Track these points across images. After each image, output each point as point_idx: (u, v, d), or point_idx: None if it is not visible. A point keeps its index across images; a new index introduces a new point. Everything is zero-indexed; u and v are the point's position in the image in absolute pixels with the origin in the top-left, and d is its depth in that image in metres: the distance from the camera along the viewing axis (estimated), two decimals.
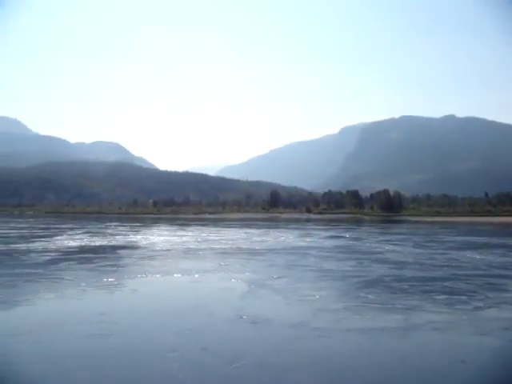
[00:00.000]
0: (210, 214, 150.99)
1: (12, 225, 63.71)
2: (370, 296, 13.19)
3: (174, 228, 58.45)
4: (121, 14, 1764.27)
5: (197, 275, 16.89)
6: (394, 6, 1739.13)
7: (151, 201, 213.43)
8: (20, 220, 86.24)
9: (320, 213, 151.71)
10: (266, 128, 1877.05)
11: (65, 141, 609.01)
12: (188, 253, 25.33)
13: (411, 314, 11.02)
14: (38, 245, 29.34)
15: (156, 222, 79.58)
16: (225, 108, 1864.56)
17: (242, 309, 11.21)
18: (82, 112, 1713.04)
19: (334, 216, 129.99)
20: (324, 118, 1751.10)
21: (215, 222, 79.20)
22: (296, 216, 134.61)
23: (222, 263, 20.70)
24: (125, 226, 63.01)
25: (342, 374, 7.36)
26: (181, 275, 16.95)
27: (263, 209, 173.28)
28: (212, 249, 27.67)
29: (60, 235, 40.66)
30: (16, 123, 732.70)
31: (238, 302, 12.15)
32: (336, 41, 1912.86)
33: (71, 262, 20.72)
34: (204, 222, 76.65)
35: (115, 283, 15.09)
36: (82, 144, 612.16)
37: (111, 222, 78.09)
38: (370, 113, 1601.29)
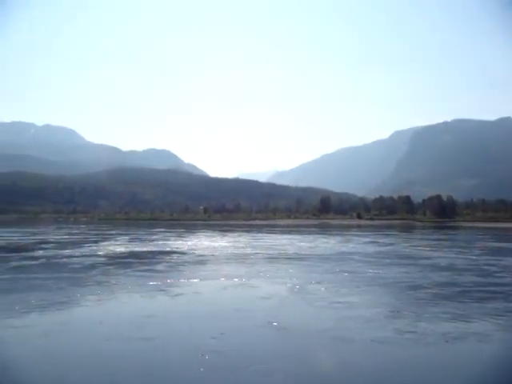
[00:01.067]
0: (261, 220, 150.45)
1: (65, 230, 65.73)
2: (419, 300, 12.91)
3: (222, 234, 58.61)
4: (176, 25, 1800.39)
5: (240, 280, 16.97)
6: (445, 7, 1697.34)
7: (202, 207, 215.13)
8: (74, 226, 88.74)
9: (371, 219, 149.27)
10: (317, 134, 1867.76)
11: (117, 149, 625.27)
12: (234, 258, 25.45)
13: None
14: (87, 250, 30.12)
15: (206, 228, 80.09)
16: (276, 114, 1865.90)
17: (275, 315, 11.12)
18: (134, 121, 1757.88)
19: (385, 222, 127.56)
20: (374, 122, 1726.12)
21: (264, 229, 79.08)
22: (346, 222, 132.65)
23: (266, 268, 20.68)
24: (175, 232, 63.73)
25: None
26: (224, 280, 17.05)
27: (314, 215, 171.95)
28: (258, 254, 27.71)
29: (109, 241, 41.85)
30: (72, 133, 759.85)
31: (274, 309, 12.08)
32: (387, 44, 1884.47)
33: (117, 267, 21.35)
34: (253, 229, 76.52)
35: (162, 287, 15.36)
36: (134, 152, 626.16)
37: (161, 228, 79.32)
38: (422, 117, 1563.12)
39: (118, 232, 61.35)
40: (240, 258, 25.34)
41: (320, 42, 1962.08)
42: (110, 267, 21.05)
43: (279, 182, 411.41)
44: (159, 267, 21.33)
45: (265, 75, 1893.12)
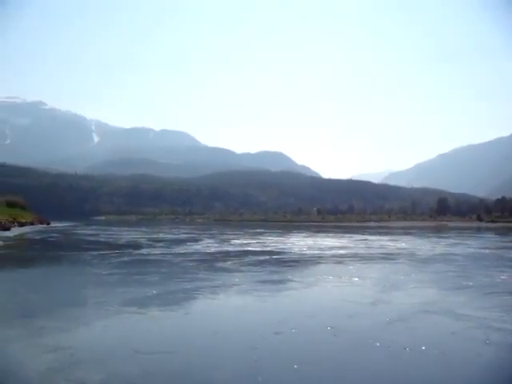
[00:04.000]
0: (375, 222, 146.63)
1: (186, 230, 67.55)
2: None
3: (332, 235, 58.04)
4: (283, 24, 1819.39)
5: (341, 282, 16.69)
6: None
7: (315, 209, 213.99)
8: (192, 226, 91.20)
9: (492, 221, 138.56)
10: (432, 133, 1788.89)
11: (231, 151, 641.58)
12: (339, 260, 24.90)
13: None
14: (199, 247, 30.50)
15: (319, 229, 78.58)
16: (389, 114, 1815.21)
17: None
18: (247, 123, 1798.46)
19: (509, 224, 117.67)
20: (494, 119, 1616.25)
21: (377, 230, 77.12)
22: (465, 224, 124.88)
23: (368, 271, 20.62)
24: (287, 232, 63.96)
25: None
26: (330, 282, 16.83)
27: (430, 217, 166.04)
28: (363, 255, 27.36)
29: (222, 240, 43.57)
30: (187, 137, 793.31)
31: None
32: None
33: (218, 265, 22.63)
34: (366, 230, 74.34)
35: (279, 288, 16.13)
36: (248, 154, 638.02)
37: (273, 228, 79.93)
38: None
39: (234, 232, 62.46)
40: (348, 260, 24.97)
41: (440, 38, 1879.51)
42: (210, 265, 22.55)
43: (393, 182, 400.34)
44: (267, 267, 22.36)
45: (378, 73, 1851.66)
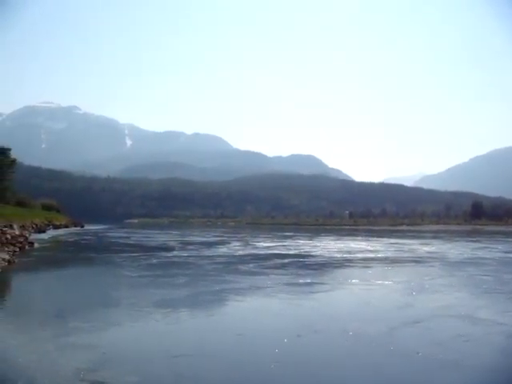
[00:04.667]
0: (407, 225, 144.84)
1: (216, 233, 67.92)
2: None
3: (362, 238, 57.59)
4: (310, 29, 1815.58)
5: (366, 285, 16.64)
6: None
7: (347, 212, 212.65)
8: (223, 229, 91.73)
9: None
10: (465, 135, 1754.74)
11: (263, 155, 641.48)
12: (366, 263, 24.88)
13: None
14: (227, 250, 30.57)
15: (350, 233, 78.07)
16: (421, 115, 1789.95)
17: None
18: (278, 126, 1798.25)
19: None
20: None
21: (408, 234, 76.17)
22: (501, 228, 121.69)
23: (395, 275, 21.02)
24: (316, 236, 63.74)
25: None
26: (355, 285, 16.91)
27: (464, 221, 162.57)
28: (391, 259, 27.53)
29: (250, 243, 43.75)
30: (219, 140, 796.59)
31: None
32: None
33: (245, 268, 23.11)
34: (397, 234, 73.48)
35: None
36: (279, 157, 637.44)
37: (303, 232, 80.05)
38: None
39: (266, 235, 62.64)
40: (377, 263, 25.44)
41: (478, 38, 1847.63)
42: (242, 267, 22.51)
43: (426, 186, 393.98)
44: (294, 270, 22.13)
45: (411, 73, 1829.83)
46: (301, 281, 17.61)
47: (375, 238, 56.14)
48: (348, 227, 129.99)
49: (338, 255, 29.13)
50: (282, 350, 8.50)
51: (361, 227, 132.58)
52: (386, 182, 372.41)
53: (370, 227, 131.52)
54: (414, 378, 7.31)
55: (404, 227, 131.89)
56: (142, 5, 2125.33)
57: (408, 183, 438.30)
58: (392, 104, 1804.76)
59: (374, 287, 16.18)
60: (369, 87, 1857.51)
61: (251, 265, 22.81)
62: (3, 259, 20.65)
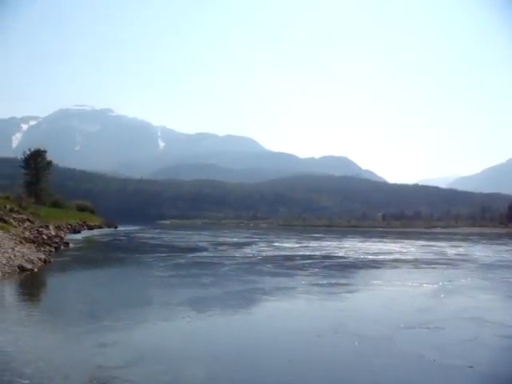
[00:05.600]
0: (442, 228, 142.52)
1: (247, 235, 68.35)
2: None
3: (392, 240, 56.90)
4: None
5: (391, 287, 16.81)
6: None
7: (380, 214, 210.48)
8: (254, 231, 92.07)
9: None
10: (502, 135, 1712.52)
11: (295, 156, 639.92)
12: (393, 265, 25.16)
13: None
14: (257, 251, 30.68)
15: (382, 235, 77.34)
16: (456, 115, 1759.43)
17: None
18: (310, 128, 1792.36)
19: None
20: None
21: (441, 236, 75.36)
22: None
23: (420, 277, 20.52)
24: (347, 237, 63.50)
25: None
26: (378, 286, 17.16)
27: (500, 223, 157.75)
28: (420, 260, 27.40)
29: (280, 244, 44.09)
30: (251, 142, 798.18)
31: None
32: None
33: (272, 269, 23.53)
34: (430, 236, 72.51)
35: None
36: (312, 159, 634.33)
37: (335, 234, 79.82)
38: None
39: (294, 236, 63.73)
40: (419, 264, 25.63)
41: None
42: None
43: (461, 187, 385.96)
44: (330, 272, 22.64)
45: (446, 72, 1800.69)
46: (325, 282, 17.82)
47: (406, 240, 55.63)
48: (380, 229, 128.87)
49: (366, 256, 29.19)
50: (298, 349, 8.82)
51: (393, 229, 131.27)
52: (419, 183, 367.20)
53: (403, 229, 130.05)
54: None
55: (438, 229, 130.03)
56: (175, 5, 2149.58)
57: (442, 185, 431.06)
58: (427, 104, 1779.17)
59: (397, 289, 16.37)
60: (406, 87, 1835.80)
61: (278, 265, 23.32)
62: (40, 259, 21.33)
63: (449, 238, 67.33)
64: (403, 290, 16.20)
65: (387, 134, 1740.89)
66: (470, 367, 7.71)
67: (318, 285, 16.95)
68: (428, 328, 10.36)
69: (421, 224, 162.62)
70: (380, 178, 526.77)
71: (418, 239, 59.27)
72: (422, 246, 43.56)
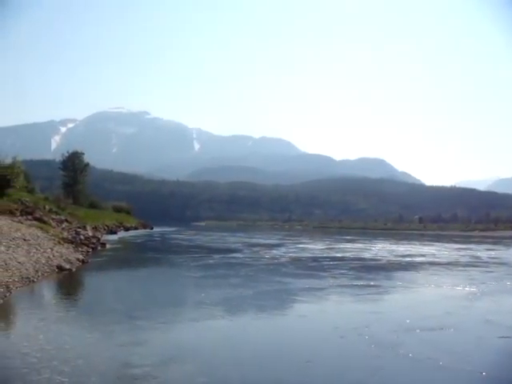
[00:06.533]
0: (480, 231, 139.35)
1: (279, 236, 68.32)
2: None
3: (429, 243, 55.82)
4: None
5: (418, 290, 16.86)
6: None
7: (417, 217, 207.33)
8: (288, 233, 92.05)
9: None
10: None
11: (330, 158, 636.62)
12: (422, 267, 25.00)
13: None
14: (289, 252, 30.81)
15: (417, 238, 76.27)
16: (495, 116, 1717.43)
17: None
18: (346, 129, 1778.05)
19: None
20: None
21: (479, 239, 73.16)
22: None
23: (449, 280, 19.93)
24: (382, 240, 63.09)
25: None
26: (406, 288, 17.17)
27: None
28: (451, 263, 27.17)
29: (312, 245, 43.63)
30: (286, 144, 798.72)
31: None
32: None
33: (302, 270, 23.31)
34: (468, 239, 70.95)
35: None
36: (347, 161, 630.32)
37: (370, 236, 79.19)
38: None
39: (328, 238, 63.32)
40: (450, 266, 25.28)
41: None
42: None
43: (501, 190, 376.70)
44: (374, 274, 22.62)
45: (483, 69, 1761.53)
46: (354, 283, 17.88)
47: (440, 243, 54.65)
48: (417, 232, 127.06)
49: (398, 259, 28.93)
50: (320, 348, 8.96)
51: (429, 232, 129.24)
52: (457, 185, 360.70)
53: (440, 232, 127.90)
54: None
55: (476, 232, 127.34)
56: (209, 7, 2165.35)
57: (481, 187, 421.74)
58: (466, 105, 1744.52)
59: (425, 290, 16.46)
60: (443, 87, 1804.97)
61: (308, 266, 23.52)
62: (77, 259, 21.82)
63: (486, 241, 65.86)
64: (430, 292, 16.19)
65: (424, 135, 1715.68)
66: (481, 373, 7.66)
67: (347, 286, 17.03)
68: (451, 331, 10.38)
69: (458, 227, 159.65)
70: (416, 179, 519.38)
71: (454, 242, 58.25)
72: (458, 248, 42.84)
